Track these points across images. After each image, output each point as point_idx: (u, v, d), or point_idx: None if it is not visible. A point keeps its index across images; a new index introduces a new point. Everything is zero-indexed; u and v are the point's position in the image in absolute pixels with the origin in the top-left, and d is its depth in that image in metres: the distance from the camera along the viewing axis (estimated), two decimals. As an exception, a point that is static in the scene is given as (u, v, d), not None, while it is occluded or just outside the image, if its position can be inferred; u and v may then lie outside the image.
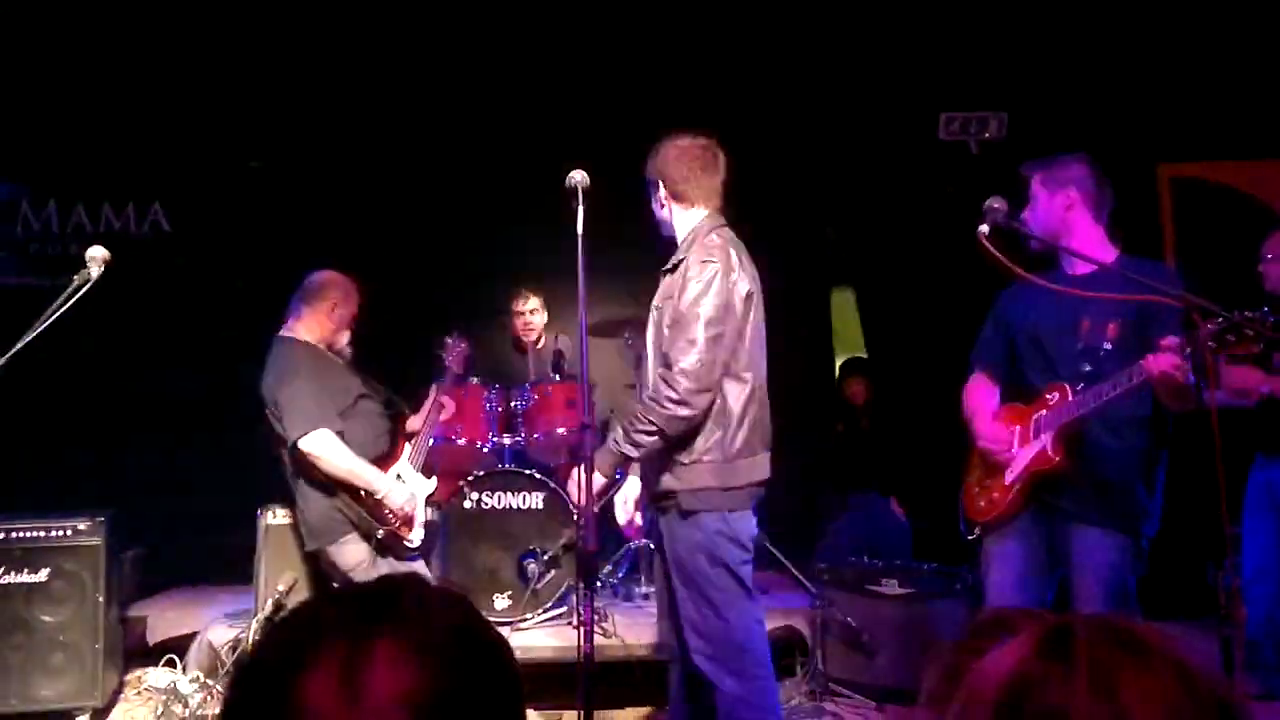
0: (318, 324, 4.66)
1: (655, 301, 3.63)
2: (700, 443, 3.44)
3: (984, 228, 3.21)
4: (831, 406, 7.41)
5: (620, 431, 3.44)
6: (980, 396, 3.77)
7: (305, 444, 4.35)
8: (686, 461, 3.44)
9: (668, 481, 3.46)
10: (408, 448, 4.80)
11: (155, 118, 6.63)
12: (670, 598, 3.55)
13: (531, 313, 6.32)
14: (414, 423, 5.02)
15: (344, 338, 4.75)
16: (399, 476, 4.66)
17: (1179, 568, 5.27)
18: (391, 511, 4.49)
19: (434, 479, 4.84)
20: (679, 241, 3.64)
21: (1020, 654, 0.88)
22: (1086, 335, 3.45)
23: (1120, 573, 3.36)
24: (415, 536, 4.64)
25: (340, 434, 4.45)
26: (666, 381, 3.36)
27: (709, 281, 3.41)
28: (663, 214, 3.69)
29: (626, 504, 3.74)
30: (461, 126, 6.78)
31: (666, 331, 3.46)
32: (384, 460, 4.65)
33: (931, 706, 0.92)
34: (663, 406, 3.36)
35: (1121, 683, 0.84)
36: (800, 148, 6.88)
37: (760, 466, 3.52)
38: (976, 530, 3.66)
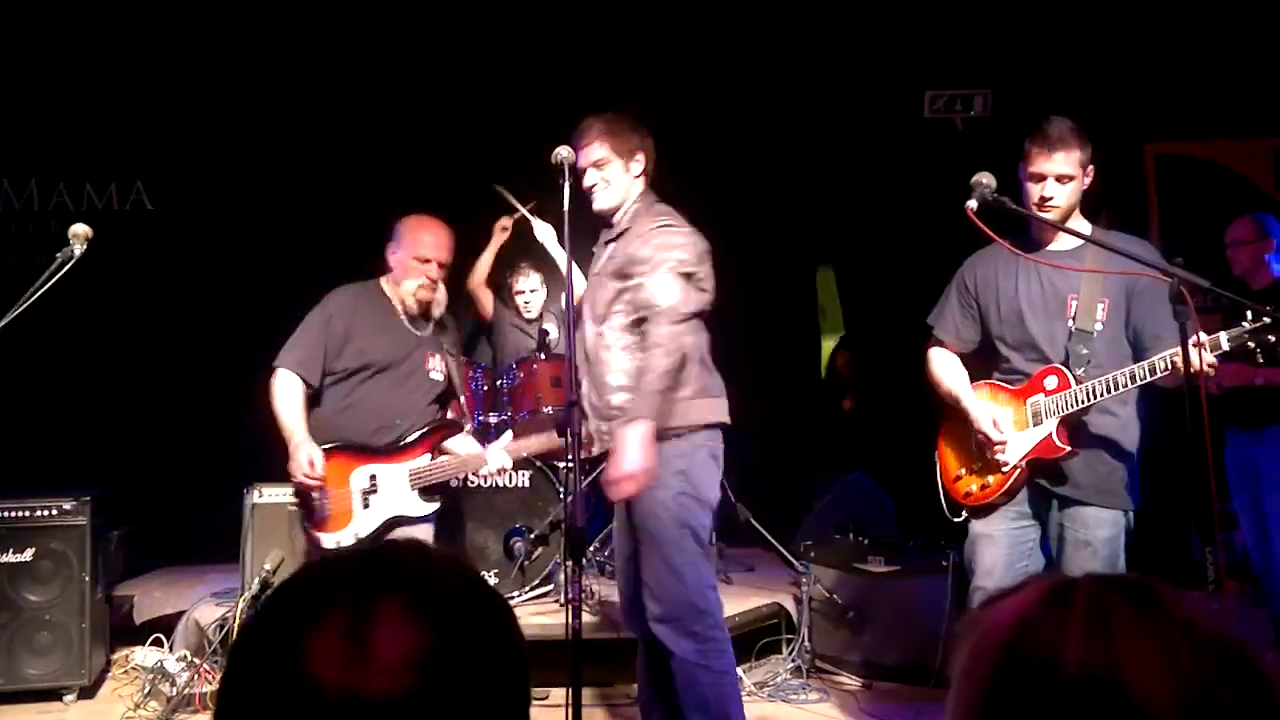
0: (389, 270, 4.13)
1: (603, 269, 3.62)
2: None
3: (972, 203, 3.20)
4: (816, 385, 7.44)
5: (638, 382, 3.41)
6: (957, 372, 3.68)
7: (274, 379, 3.93)
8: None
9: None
10: (424, 458, 4.05)
11: (137, 95, 6.57)
12: (633, 566, 3.56)
13: (532, 291, 6.31)
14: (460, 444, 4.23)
15: (410, 287, 4.02)
16: (372, 478, 3.95)
17: (1164, 544, 5.32)
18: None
19: (430, 504, 4.04)
20: (619, 212, 3.65)
21: (1026, 601, 0.91)
22: (1077, 315, 3.40)
23: (1114, 548, 3.38)
24: (331, 538, 3.89)
25: (315, 391, 3.94)
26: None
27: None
28: (620, 184, 3.63)
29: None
30: (451, 102, 6.75)
31: (632, 280, 3.49)
32: (371, 453, 3.97)
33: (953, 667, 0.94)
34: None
35: (1117, 627, 0.85)
36: (786, 127, 6.87)
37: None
38: (964, 513, 3.60)
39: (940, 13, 6.50)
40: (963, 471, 3.62)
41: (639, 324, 3.46)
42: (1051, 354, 3.44)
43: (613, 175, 3.61)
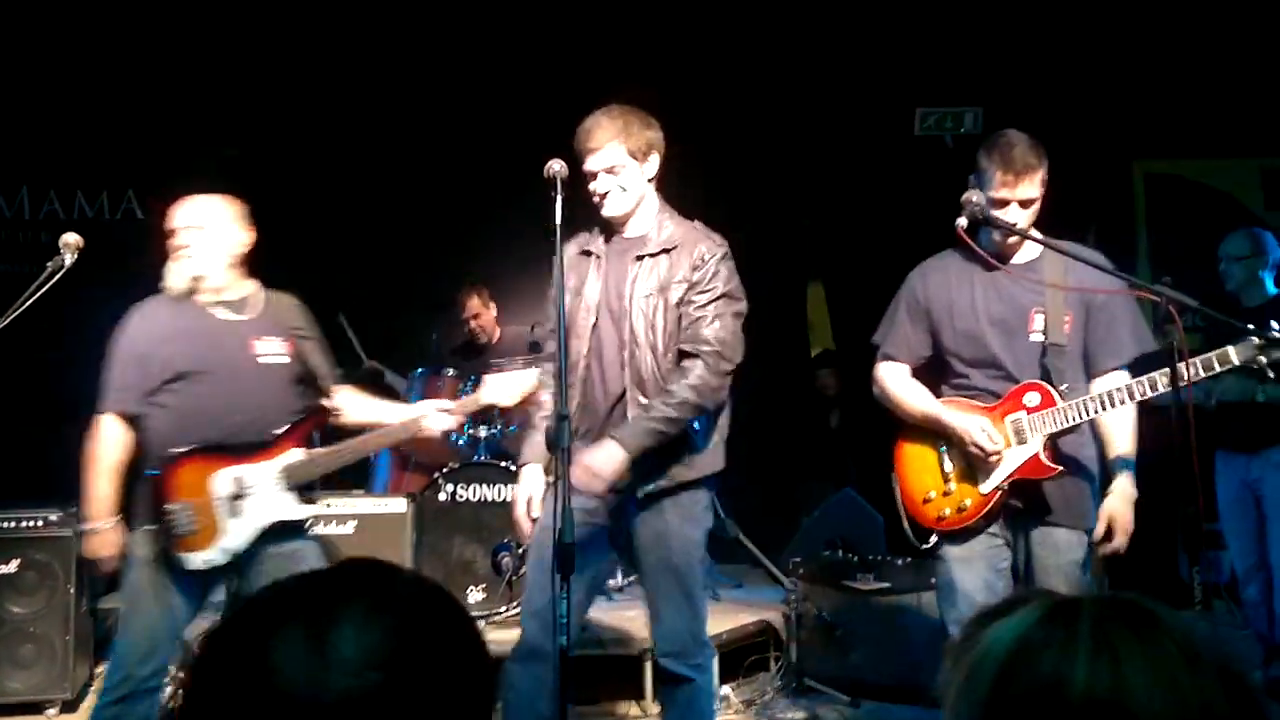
0: None
1: (644, 288, 3.36)
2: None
3: (962, 220, 3.21)
4: (806, 400, 7.44)
5: (656, 408, 3.25)
6: (919, 389, 3.50)
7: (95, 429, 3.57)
8: (703, 447, 3.39)
9: (679, 472, 3.34)
10: (295, 452, 3.55)
11: (129, 104, 6.56)
12: (585, 592, 3.45)
13: (474, 316, 6.35)
14: (364, 411, 3.77)
15: (170, 269, 3.56)
16: (238, 480, 3.46)
17: (1150, 562, 5.31)
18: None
19: (308, 506, 3.58)
20: (633, 218, 3.43)
21: (1026, 622, 0.90)
22: (1048, 330, 3.29)
23: (1082, 570, 3.33)
24: (198, 557, 3.41)
25: (143, 414, 3.50)
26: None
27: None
28: (636, 188, 3.39)
29: (532, 503, 3.46)
30: (440, 106, 6.76)
31: (687, 308, 3.33)
32: (231, 454, 3.49)
33: (945, 689, 0.93)
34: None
35: (1123, 651, 0.85)
36: (778, 142, 6.89)
37: None
38: (934, 538, 3.43)
39: (931, 31, 6.53)
40: (932, 494, 3.43)
41: (681, 354, 3.32)
42: (1015, 370, 3.32)
43: (628, 180, 3.37)
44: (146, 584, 3.43)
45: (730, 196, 6.88)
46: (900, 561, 5.11)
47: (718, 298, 3.35)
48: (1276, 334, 2.97)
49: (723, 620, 5.13)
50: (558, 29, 6.49)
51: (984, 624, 0.93)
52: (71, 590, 4.72)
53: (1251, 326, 3.01)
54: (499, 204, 6.47)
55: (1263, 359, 2.99)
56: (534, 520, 3.44)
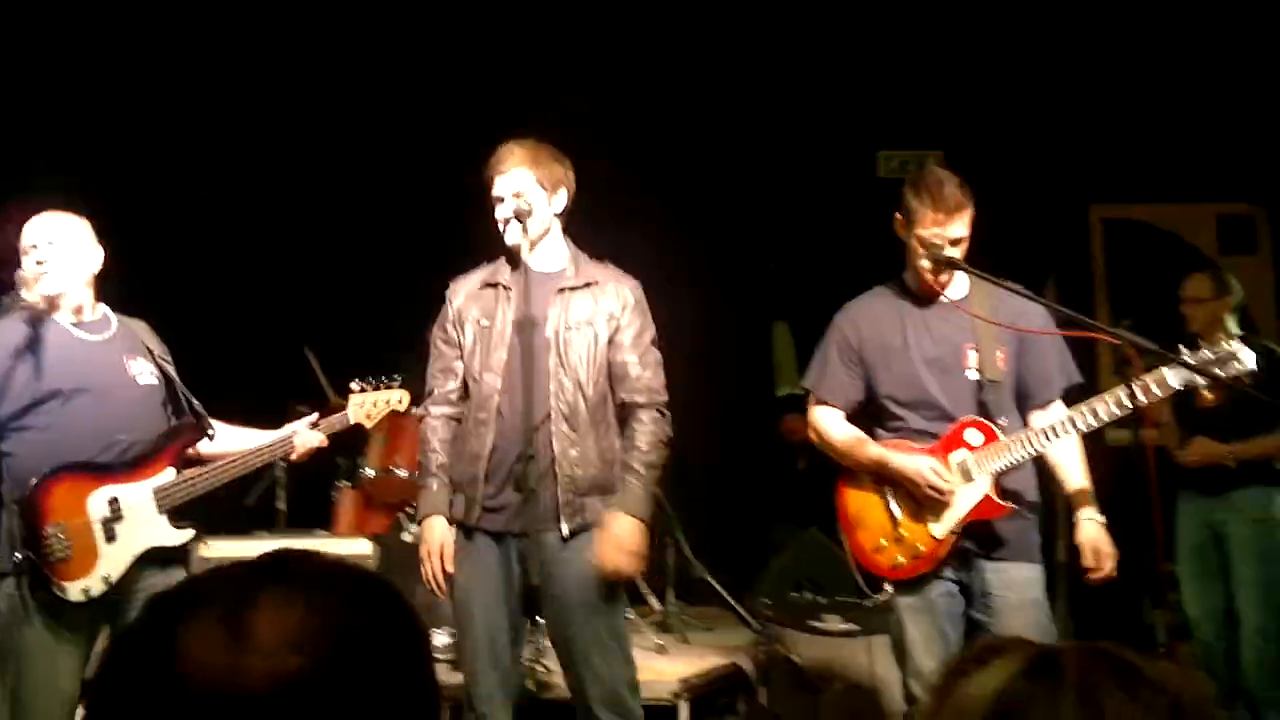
0: None
1: (568, 320, 3.38)
2: None
3: (924, 262, 3.25)
4: (772, 442, 7.45)
5: (641, 471, 3.35)
6: (858, 434, 3.45)
7: None
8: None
9: (601, 511, 3.35)
10: (169, 472, 3.42)
11: (89, 134, 6.51)
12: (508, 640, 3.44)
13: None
14: (232, 439, 3.67)
15: (30, 287, 3.28)
16: (113, 502, 3.30)
17: (1110, 605, 5.34)
18: None
19: (183, 532, 3.42)
20: (534, 249, 3.44)
21: (1007, 673, 0.89)
22: (984, 367, 3.29)
23: (1044, 607, 3.33)
24: (76, 586, 3.21)
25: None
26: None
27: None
28: (541, 218, 3.41)
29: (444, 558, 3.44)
30: (401, 153, 6.76)
31: (623, 352, 3.41)
32: (107, 472, 3.32)
33: None
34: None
35: (1108, 705, 0.84)
36: (742, 184, 6.94)
37: None
38: (888, 588, 3.40)
39: (893, 75, 6.63)
40: (883, 542, 3.37)
41: (627, 406, 3.40)
42: (952, 410, 3.30)
43: (533, 208, 3.37)
44: (29, 647, 3.22)
45: (694, 239, 6.93)
46: (868, 603, 5.10)
47: (651, 343, 3.43)
48: (1208, 354, 2.99)
49: (692, 663, 5.08)
50: (523, 71, 6.51)
51: (959, 675, 0.92)
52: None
53: (1183, 348, 3.05)
54: (468, 242, 6.47)
55: (1197, 379, 3.01)
56: (448, 575, 3.42)
